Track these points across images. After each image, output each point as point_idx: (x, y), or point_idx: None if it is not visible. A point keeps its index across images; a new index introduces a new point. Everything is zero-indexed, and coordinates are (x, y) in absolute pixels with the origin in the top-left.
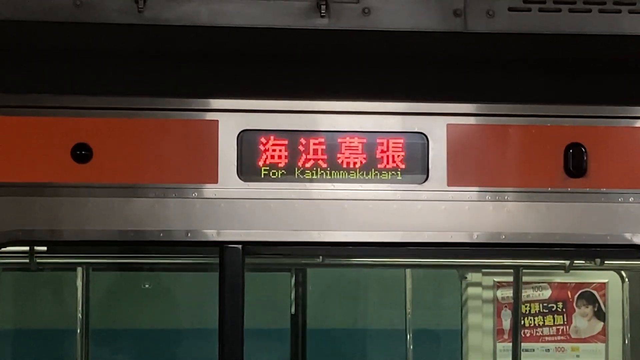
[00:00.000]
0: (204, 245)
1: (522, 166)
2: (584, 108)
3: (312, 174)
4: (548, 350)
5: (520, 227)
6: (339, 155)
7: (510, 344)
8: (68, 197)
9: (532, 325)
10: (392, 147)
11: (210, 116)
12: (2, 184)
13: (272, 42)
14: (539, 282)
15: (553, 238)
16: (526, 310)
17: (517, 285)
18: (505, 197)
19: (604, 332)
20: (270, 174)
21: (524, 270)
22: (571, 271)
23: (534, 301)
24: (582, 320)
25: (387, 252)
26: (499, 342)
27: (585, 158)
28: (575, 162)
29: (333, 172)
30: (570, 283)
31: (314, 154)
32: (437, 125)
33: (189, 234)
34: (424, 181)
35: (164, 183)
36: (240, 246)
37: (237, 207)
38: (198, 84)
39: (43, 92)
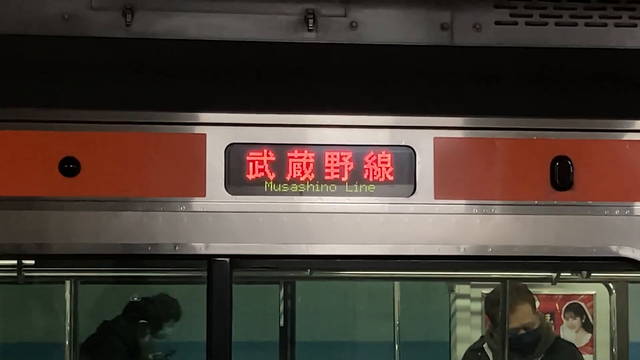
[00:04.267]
0: (192, 258)
1: (508, 179)
2: (570, 121)
3: (300, 187)
4: None
5: (507, 240)
6: (326, 168)
7: None
8: (56, 210)
9: None
10: (380, 160)
11: (198, 130)
12: None
13: (260, 56)
14: None
15: (540, 250)
16: None
17: (504, 298)
18: (492, 210)
19: (591, 343)
20: (258, 187)
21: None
22: (559, 283)
23: None
24: (570, 332)
25: (375, 264)
26: None
27: (571, 171)
28: (561, 175)
29: (321, 185)
30: (558, 295)
31: (301, 167)
32: (424, 138)
33: (177, 248)
34: (412, 194)
35: (151, 196)
36: (228, 259)
37: (225, 220)
38: (186, 97)
39: (31, 105)
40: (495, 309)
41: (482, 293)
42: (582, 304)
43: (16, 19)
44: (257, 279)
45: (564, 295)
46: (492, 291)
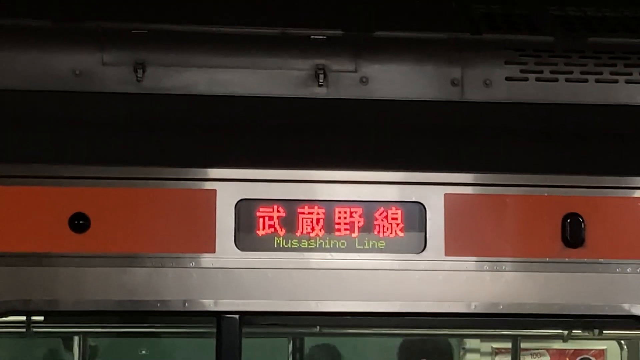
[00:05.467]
0: (201, 315)
1: (519, 236)
2: (581, 178)
3: (310, 244)
4: None
5: (518, 297)
6: (336, 224)
7: None
8: (65, 267)
9: None
10: (390, 216)
11: (208, 185)
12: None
13: (270, 111)
14: (537, 349)
15: (551, 308)
16: None
17: (515, 354)
18: (503, 267)
19: None
20: (268, 244)
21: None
22: (570, 340)
23: None
24: None
25: (385, 322)
26: None
27: (582, 228)
28: (572, 232)
29: (331, 241)
30: (569, 350)
31: (311, 224)
32: (435, 194)
33: (186, 304)
34: (422, 251)
35: (161, 252)
36: (237, 316)
37: (234, 276)
38: (196, 153)
39: (41, 161)
40: None
41: (492, 347)
42: (593, 359)
43: (27, 74)
44: (265, 333)
45: (574, 350)
46: None
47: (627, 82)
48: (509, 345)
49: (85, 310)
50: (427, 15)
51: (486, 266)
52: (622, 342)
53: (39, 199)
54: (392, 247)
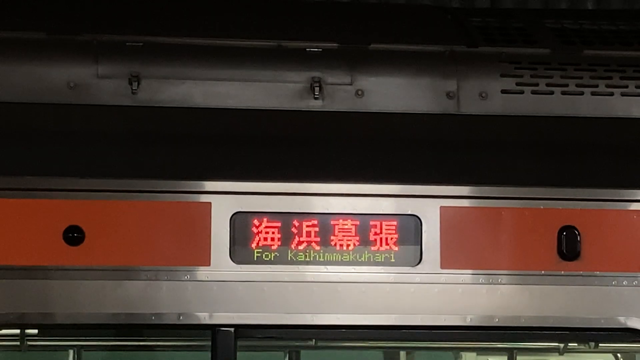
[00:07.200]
0: (196, 328)
1: (515, 249)
2: (577, 191)
3: (305, 257)
4: None
5: (514, 311)
6: (332, 237)
7: None
8: (60, 280)
9: None
10: (386, 229)
11: (203, 198)
12: None
13: (265, 124)
14: None
15: (547, 321)
16: None
17: None
18: (499, 280)
19: None
20: (263, 257)
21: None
22: (566, 353)
23: None
24: None
25: (381, 335)
26: None
27: (578, 241)
28: (568, 245)
29: (326, 254)
30: None
31: (307, 236)
32: (431, 207)
33: (181, 317)
34: (418, 264)
35: (156, 265)
36: (232, 329)
37: (229, 289)
38: (191, 165)
39: (35, 174)
40: None
41: None
42: None
43: (22, 87)
44: (261, 347)
45: None
46: None
47: (623, 94)
48: (505, 359)
49: (80, 324)
50: (422, 28)
51: (482, 279)
52: (619, 355)
53: (33, 212)
54: (387, 260)
